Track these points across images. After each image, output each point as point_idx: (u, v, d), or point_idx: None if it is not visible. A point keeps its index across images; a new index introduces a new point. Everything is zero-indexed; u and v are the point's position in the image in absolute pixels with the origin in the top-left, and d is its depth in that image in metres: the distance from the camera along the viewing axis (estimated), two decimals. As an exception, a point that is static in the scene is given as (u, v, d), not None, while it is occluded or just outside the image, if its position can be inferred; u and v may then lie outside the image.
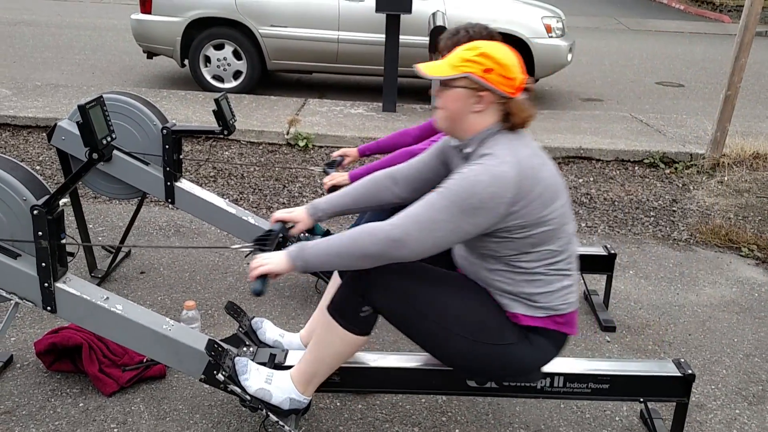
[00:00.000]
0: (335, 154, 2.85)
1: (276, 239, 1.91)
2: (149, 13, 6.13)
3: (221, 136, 2.69)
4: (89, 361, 2.20)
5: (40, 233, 1.80)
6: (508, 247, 1.66)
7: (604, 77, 8.32)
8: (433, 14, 5.72)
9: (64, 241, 1.89)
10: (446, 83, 1.67)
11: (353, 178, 2.49)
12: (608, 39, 11.67)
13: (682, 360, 2.02)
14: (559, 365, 1.98)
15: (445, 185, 1.60)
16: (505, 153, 1.61)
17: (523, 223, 1.61)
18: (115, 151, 2.65)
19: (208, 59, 6.20)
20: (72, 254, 2.02)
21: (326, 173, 2.67)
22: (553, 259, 1.69)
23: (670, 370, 1.99)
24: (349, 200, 1.99)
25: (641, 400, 2.00)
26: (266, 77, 6.62)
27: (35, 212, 1.78)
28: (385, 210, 2.38)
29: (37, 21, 9.92)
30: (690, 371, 1.97)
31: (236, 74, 6.24)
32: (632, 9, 16.66)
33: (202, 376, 1.92)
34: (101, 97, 1.78)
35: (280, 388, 1.85)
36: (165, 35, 6.14)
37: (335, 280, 2.13)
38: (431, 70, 1.67)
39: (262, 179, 4.20)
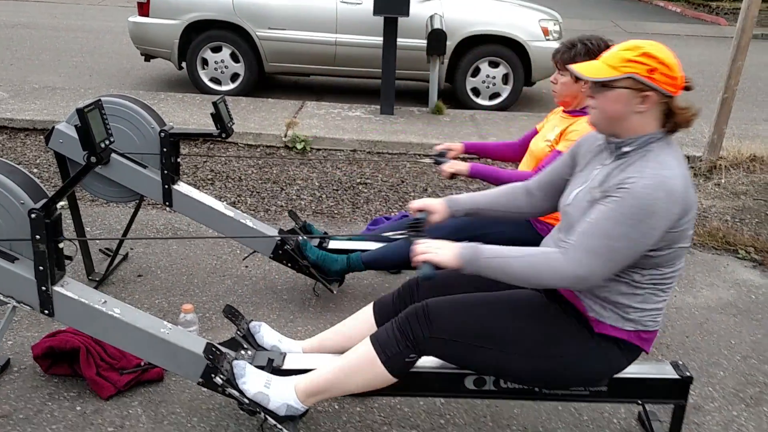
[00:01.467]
0: (439, 147, 2.82)
1: (425, 226, 1.92)
2: (147, 15, 6.13)
3: (219, 138, 2.69)
4: (87, 365, 2.20)
5: (37, 237, 1.80)
6: (637, 265, 1.63)
7: (602, 80, 8.32)
8: (431, 17, 5.74)
9: (61, 245, 1.89)
10: (607, 84, 1.62)
11: (473, 171, 2.55)
12: (605, 42, 11.68)
13: (680, 362, 2.02)
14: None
15: (618, 205, 1.54)
16: (674, 165, 1.58)
17: (669, 241, 1.59)
18: (112, 154, 2.64)
19: (205, 62, 6.21)
20: (70, 258, 2.02)
21: (438, 163, 2.69)
22: (661, 280, 1.68)
23: (668, 372, 1.99)
24: (486, 202, 1.99)
25: (639, 402, 2.00)
26: (264, 80, 6.63)
27: (33, 216, 1.78)
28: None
29: (34, 23, 9.91)
30: (687, 373, 1.97)
31: (234, 77, 6.25)
32: (629, 12, 16.70)
33: (200, 380, 1.92)
34: (99, 100, 1.78)
35: (279, 394, 1.85)
36: (162, 38, 6.14)
37: (367, 312, 2.11)
38: (590, 71, 1.62)
39: (259, 182, 4.20)
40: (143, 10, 6.13)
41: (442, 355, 1.81)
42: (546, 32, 6.21)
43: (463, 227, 2.54)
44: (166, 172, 2.67)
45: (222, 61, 6.19)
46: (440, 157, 2.74)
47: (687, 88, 1.64)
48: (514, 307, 1.81)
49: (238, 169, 4.37)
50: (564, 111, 2.57)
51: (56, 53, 7.94)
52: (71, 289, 1.91)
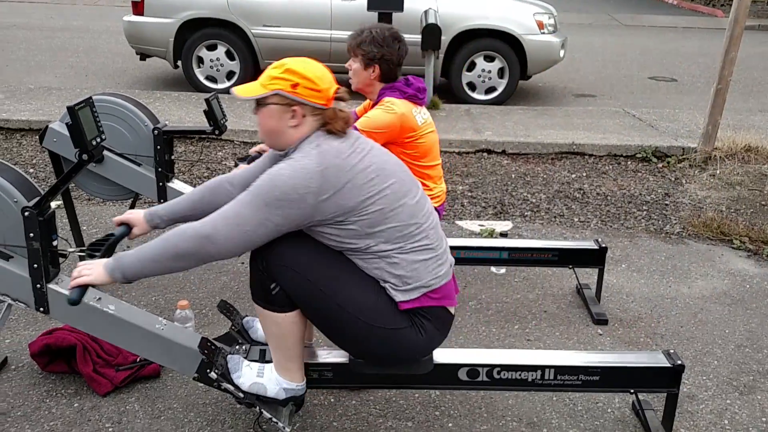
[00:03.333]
0: (253, 149, 2.74)
1: (114, 245, 1.90)
2: (141, 14, 6.14)
3: (213, 135, 2.70)
4: (83, 362, 2.21)
5: (31, 234, 1.81)
6: (348, 235, 1.70)
7: (597, 73, 8.34)
8: (425, 12, 5.74)
9: (55, 242, 1.90)
10: (261, 102, 1.73)
11: None
12: (601, 35, 11.69)
13: (672, 351, 2.04)
14: (549, 357, 2.00)
15: (253, 183, 1.65)
16: (310, 148, 1.67)
17: (343, 210, 1.66)
18: (106, 153, 2.66)
19: (201, 60, 6.21)
20: (64, 255, 2.03)
21: (236, 166, 2.58)
22: (402, 238, 1.72)
23: (660, 361, 2.00)
24: (186, 206, 2.00)
25: (632, 391, 2.02)
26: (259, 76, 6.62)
27: (26, 214, 1.80)
28: None
29: (30, 24, 9.91)
30: (679, 362, 1.98)
31: (229, 74, 6.25)
32: (625, 5, 16.68)
33: (195, 375, 1.93)
34: (90, 98, 1.79)
35: (271, 379, 1.87)
36: (157, 36, 6.15)
37: None
38: (244, 91, 1.73)
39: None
40: (138, 8, 6.14)
41: (291, 287, 1.75)
42: (541, 26, 6.21)
43: None
44: (160, 169, 2.69)
45: (217, 59, 6.20)
46: (242, 161, 2.62)
47: (339, 99, 1.74)
48: (352, 266, 1.78)
49: (233, 166, 4.38)
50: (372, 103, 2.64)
51: (52, 53, 7.93)
52: (66, 286, 1.92)
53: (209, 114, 2.65)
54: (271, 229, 1.64)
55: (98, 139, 1.80)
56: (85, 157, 1.76)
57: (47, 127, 2.64)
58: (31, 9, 11.49)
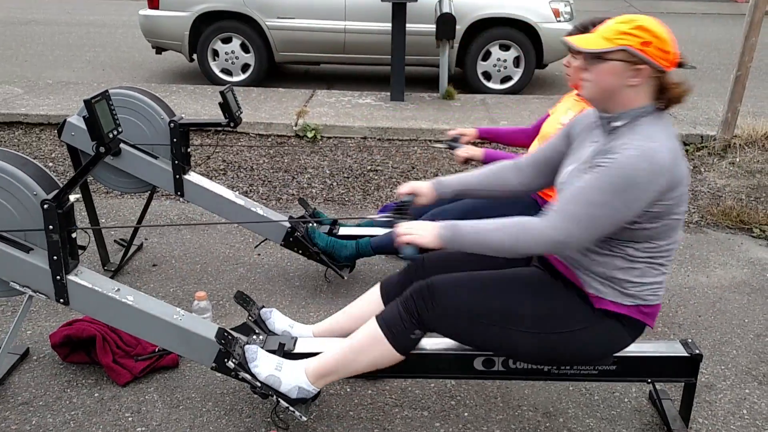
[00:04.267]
0: (452, 132, 2.82)
1: (410, 209, 1.97)
2: (157, 8, 6.17)
3: (228, 128, 2.71)
4: (103, 352, 2.24)
5: (50, 227, 1.84)
6: (623, 234, 1.64)
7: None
8: (439, 1, 5.70)
9: (74, 234, 1.93)
10: (600, 56, 1.61)
11: (487, 156, 2.55)
12: (619, 22, 11.53)
13: (689, 340, 2.02)
14: (565, 347, 1.99)
15: (602, 174, 1.55)
16: (663, 137, 1.58)
17: (656, 213, 1.59)
18: (123, 146, 2.68)
19: (216, 53, 6.23)
20: (83, 247, 2.06)
21: (452, 148, 2.68)
22: (657, 253, 1.68)
23: (677, 350, 1.99)
24: (475, 181, 2.00)
25: (649, 381, 2.00)
26: (274, 70, 6.65)
27: (45, 206, 1.82)
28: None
29: (48, 20, 10.00)
30: (697, 351, 1.97)
31: (244, 67, 6.27)
32: (643, -9, 16.44)
33: (213, 364, 1.95)
34: (107, 91, 1.81)
35: (290, 376, 1.88)
36: (173, 30, 6.18)
37: (374, 292, 2.12)
38: (584, 43, 1.62)
39: (271, 171, 4.23)
40: (153, 2, 6.17)
41: (447, 331, 1.83)
42: (557, 13, 6.15)
43: (471, 209, 2.54)
44: (177, 162, 2.70)
45: (232, 51, 6.22)
46: (454, 143, 2.74)
47: (680, 65, 1.64)
48: (517, 283, 1.82)
49: (249, 158, 4.40)
50: (578, 94, 2.56)
51: (69, 49, 8.01)
52: (85, 278, 1.95)
53: (224, 106, 2.66)
54: (621, 224, 1.59)
55: (115, 132, 1.82)
56: (102, 149, 1.78)
57: (65, 121, 2.67)
58: (48, 4, 11.59)
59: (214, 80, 6.24)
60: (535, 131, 2.81)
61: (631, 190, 1.53)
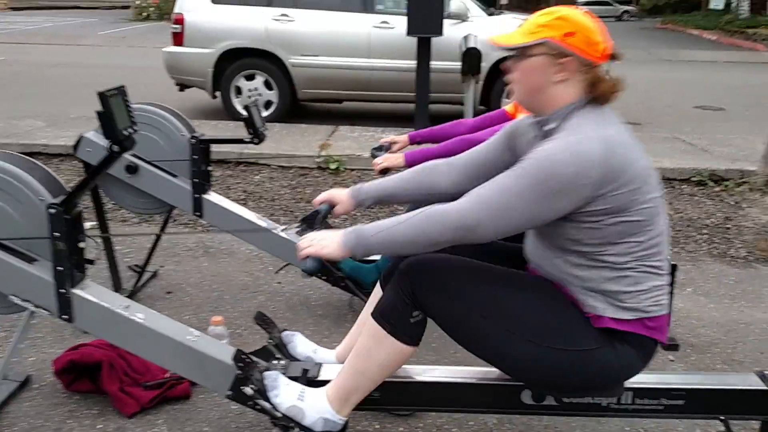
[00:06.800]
0: (384, 140, 2.62)
1: (323, 220, 1.81)
2: (181, 45, 6.18)
3: (252, 143, 2.57)
4: (109, 379, 2.05)
5: (56, 234, 1.68)
6: (593, 236, 1.46)
7: (641, 103, 8.11)
8: (465, 38, 5.65)
9: (82, 244, 1.76)
10: (522, 52, 1.51)
11: (409, 160, 2.31)
12: (641, 68, 11.48)
13: (766, 372, 1.79)
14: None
15: (521, 166, 1.43)
16: (589, 129, 1.43)
17: (610, 208, 1.41)
18: (142, 163, 2.55)
19: (239, 90, 6.20)
20: (91, 261, 1.89)
21: (374, 156, 2.46)
22: (643, 253, 1.48)
23: (753, 383, 1.75)
24: (397, 185, 1.82)
25: (722, 418, 1.76)
26: (297, 107, 6.59)
27: (52, 211, 1.66)
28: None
29: (75, 62, 10.20)
30: (776, 384, 1.73)
31: (267, 104, 6.22)
32: (664, 41, 16.54)
33: (229, 392, 1.74)
34: (123, 87, 1.67)
35: (314, 406, 1.67)
36: (197, 67, 6.17)
37: (378, 291, 1.95)
38: (505, 39, 1.52)
39: (293, 201, 4.08)
40: (178, 39, 6.19)
41: (442, 314, 1.57)
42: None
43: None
44: (196, 180, 2.56)
45: (255, 88, 6.18)
46: (378, 151, 2.49)
47: (613, 57, 1.50)
48: (529, 284, 1.60)
49: (270, 189, 4.27)
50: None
51: (95, 88, 8.00)
52: (92, 292, 1.78)
53: (248, 121, 2.53)
54: (537, 222, 1.45)
55: (130, 130, 1.68)
56: (116, 148, 1.63)
57: (81, 136, 2.55)
58: (76, 51, 11.83)
59: (237, 117, 6.18)
60: (481, 122, 2.59)
61: (552, 183, 1.38)
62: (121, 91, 1.66)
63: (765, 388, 1.73)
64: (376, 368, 1.61)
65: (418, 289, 1.56)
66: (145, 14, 23.05)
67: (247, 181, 4.38)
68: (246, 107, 2.52)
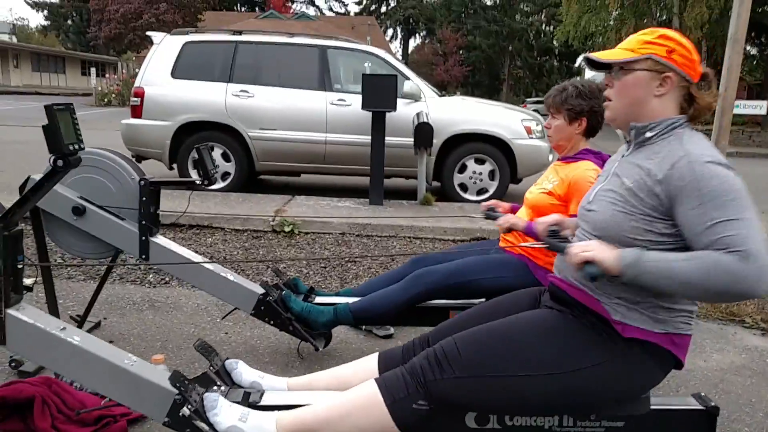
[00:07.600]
0: (485, 204, 2.53)
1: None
2: (140, 117, 6.25)
3: (202, 185, 2.60)
4: (41, 416, 1.96)
5: (-6, 251, 1.65)
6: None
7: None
8: (417, 114, 5.89)
9: (20, 264, 1.74)
10: (627, 67, 1.58)
11: (529, 229, 2.29)
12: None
13: (703, 393, 1.82)
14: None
15: (715, 194, 1.41)
16: (716, 153, 1.49)
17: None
18: (89, 206, 2.54)
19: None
20: (29, 288, 1.85)
21: (492, 218, 2.43)
22: None
23: (691, 403, 1.79)
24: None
25: (660, 439, 1.77)
26: (254, 178, 6.65)
27: (-9, 226, 1.65)
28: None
29: (29, 140, 10.14)
30: (713, 404, 1.77)
31: (224, 175, 6.27)
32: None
33: (166, 419, 1.69)
34: (71, 104, 1.71)
35: (258, 429, 1.62)
36: (155, 139, 6.23)
37: (371, 360, 1.88)
38: (608, 55, 1.60)
39: (245, 263, 4.06)
40: (136, 112, 6.26)
41: (455, 396, 1.60)
42: (529, 131, 6.35)
43: (455, 272, 2.40)
44: (144, 222, 2.55)
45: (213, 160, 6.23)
46: (492, 212, 2.51)
47: (704, 77, 1.60)
48: (525, 327, 1.65)
49: (223, 250, 4.24)
50: (559, 159, 2.51)
51: (46, 159, 7.99)
52: (27, 313, 1.73)
53: (199, 163, 2.57)
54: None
55: (77, 146, 1.69)
56: (60, 163, 1.64)
57: (29, 177, 2.53)
58: (34, 131, 11.80)
59: (193, 188, 6.19)
60: None
61: (742, 195, 1.42)
62: (69, 108, 1.69)
63: (701, 407, 1.77)
64: (351, 428, 1.59)
65: (433, 382, 1.58)
66: (107, 100, 23.34)
67: (199, 243, 4.36)
68: (197, 148, 2.57)
